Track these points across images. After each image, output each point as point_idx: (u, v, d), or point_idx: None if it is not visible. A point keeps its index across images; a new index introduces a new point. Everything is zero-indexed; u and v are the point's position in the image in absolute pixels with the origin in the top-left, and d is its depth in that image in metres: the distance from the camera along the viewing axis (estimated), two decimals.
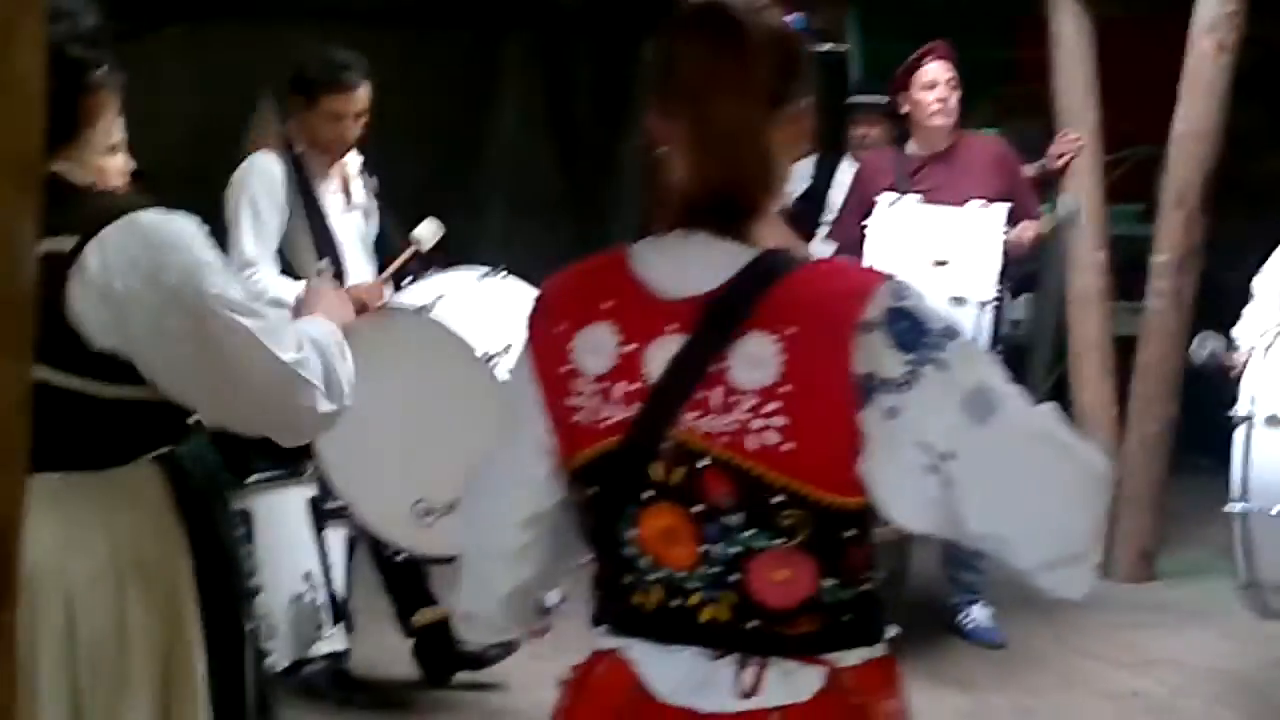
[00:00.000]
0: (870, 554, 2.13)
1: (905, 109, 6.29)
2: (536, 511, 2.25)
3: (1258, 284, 5.48)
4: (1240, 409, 4.91)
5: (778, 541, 2.07)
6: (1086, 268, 7.38)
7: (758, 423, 2.04)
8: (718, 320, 2.07)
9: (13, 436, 1.33)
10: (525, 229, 9.42)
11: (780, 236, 2.15)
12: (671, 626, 2.14)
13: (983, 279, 5.78)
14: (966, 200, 5.97)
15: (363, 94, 5.29)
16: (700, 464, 2.08)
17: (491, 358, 4.48)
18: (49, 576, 2.50)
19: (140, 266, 2.51)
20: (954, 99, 6.23)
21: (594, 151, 10.41)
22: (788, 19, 2.20)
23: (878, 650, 2.18)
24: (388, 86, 5.47)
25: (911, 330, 2.03)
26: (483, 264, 5.02)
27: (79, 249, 2.50)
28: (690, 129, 2.10)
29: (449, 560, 3.92)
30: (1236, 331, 5.40)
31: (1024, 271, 8.22)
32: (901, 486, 2.05)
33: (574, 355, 2.15)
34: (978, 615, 6.35)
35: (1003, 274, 5.88)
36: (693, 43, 2.12)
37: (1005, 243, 5.90)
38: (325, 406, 2.70)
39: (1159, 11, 7.37)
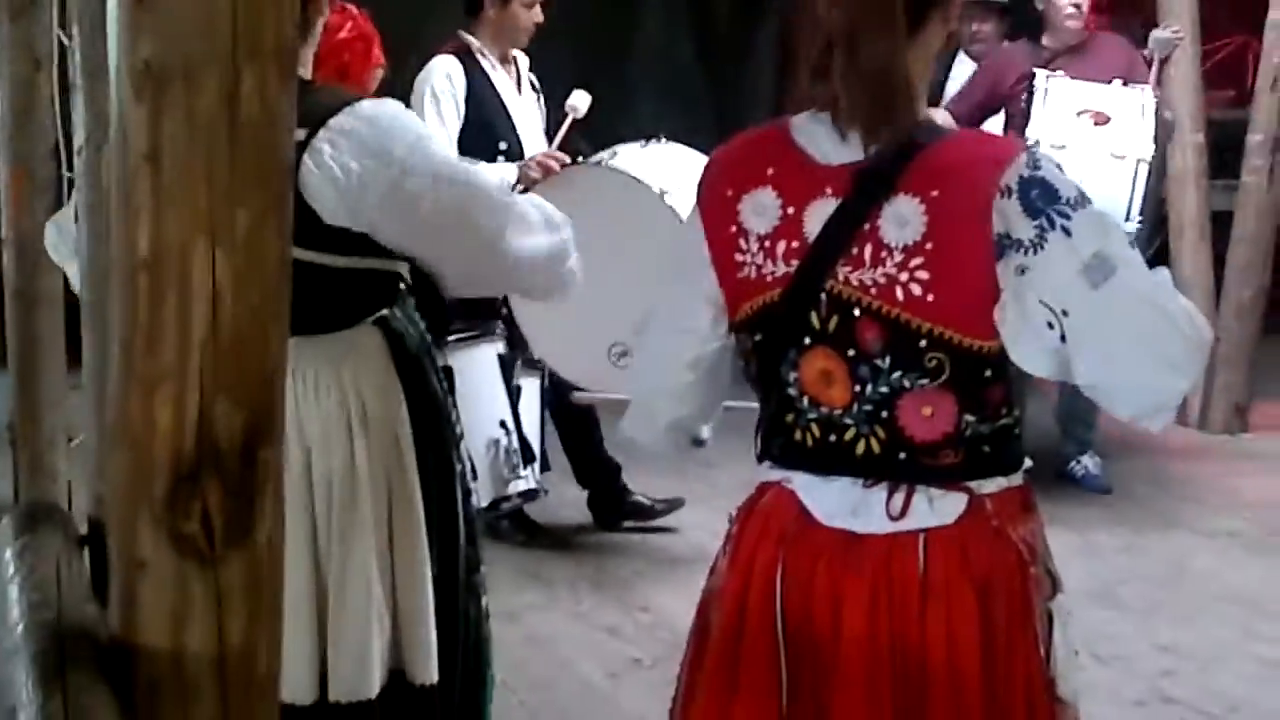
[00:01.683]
0: (1007, 392, 2.16)
1: (1041, 5, 6.19)
2: (699, 355, 2.30)
3: None
4: None
5: (923, 381, 2.11)
6: (1185, 147, 7.26)
7: (904, 275, 2.08)
8: (869, 184, 2.11)
9: (281, 292, 1.39)
10: (670, 115, 9.41)
11: (925, 101, 2.17)
12: (829, 458, 2.19)
13: (1141, 138, 5.60)
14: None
15: None
16: (854, 312, 2.12)
17: (666, 193, 4.46)
18: (289, 427, 2.59)
19: (370, 146, 2.58)
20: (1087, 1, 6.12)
21: (730, 42, 10.37)
22: None
23: (1015, 479, 2.22)
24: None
25: (1043, 197, 2.05)
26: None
27: (310, 137, 2.57)
28: (840, 58, 2.10)
29: None
30: None
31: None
32: (1025, 336, 2.07)
33: (741, 216, 2.19)
34: (1088, 464, 6.35)
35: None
36: None
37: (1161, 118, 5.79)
38: (550, 238, 2.77)
39: None
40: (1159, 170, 7.44)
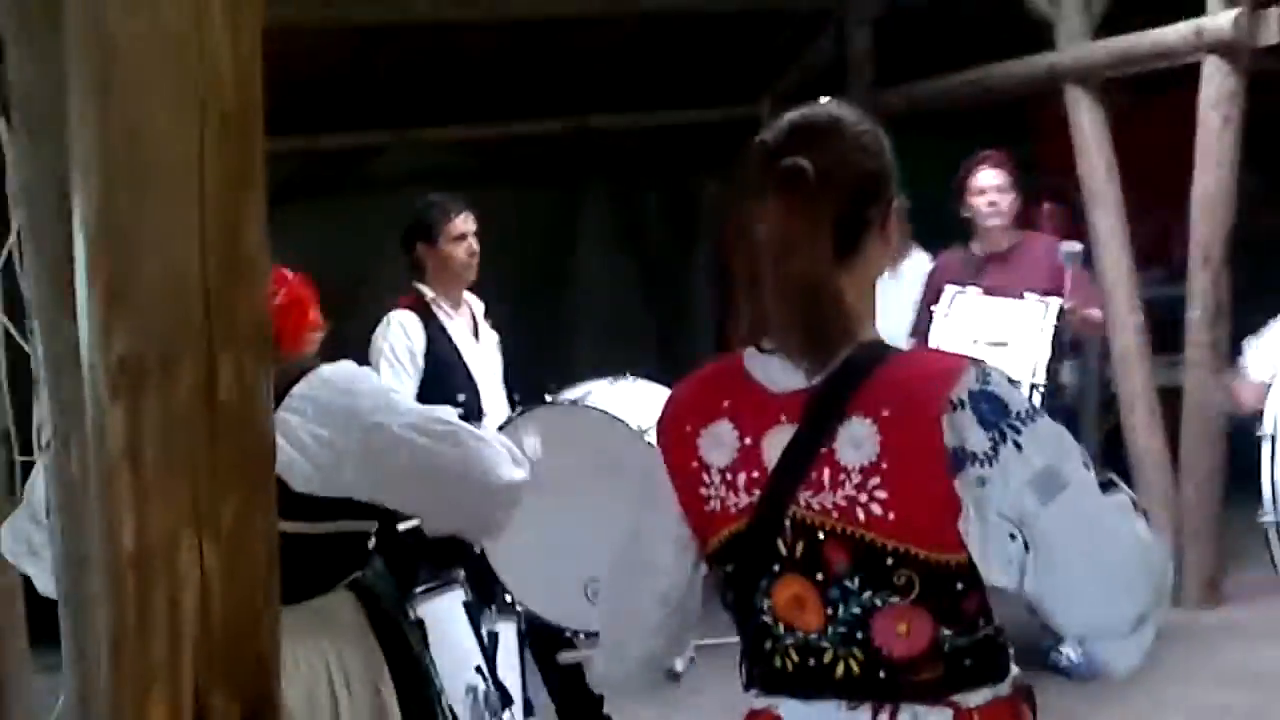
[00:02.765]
0: (983, 602, 2.18)
1: (965, 213, 6.35)
2: (667, 590, 2.33)
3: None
4: (1265, 428, 4.84)
5: (894, 599, 2.13)
6: (1125, 328, 7.39)
7: (864, 496, 2.11)
8: (822, 409, 2.15)
9: (271, 577, 1.40)
10: (611, 345, 9.53)
11: (874, 328, 2.22)
12: (811, 683, 2.20)
13: (1034, 363, 5.77)
14: (1023, 294, 5.98)
15: (471, 215, 5.52)
16: (819, 536, 2.14)
17: (645, 430, 4.51)
18: None
19: (336, 410, 2.61)
20: (1006, 202, 6.28)
21: (667, 268, 10.58)
22: None
23: (1003, 689, 2.22)
24: (486, 238, 5.63)
25: (994, 410, 2.09)
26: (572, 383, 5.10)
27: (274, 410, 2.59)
28: (770, 282, 2.15)
29: None
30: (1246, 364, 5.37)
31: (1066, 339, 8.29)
32: (991, 548, 2.10)
33: (701, 450, 2.23)
34: (1068, 651, 6.30)
35: (1055, 355, 5.87)
36: (766, 202, 2.15)
37: (1072, 322, 5.92)
38: (518, 474, 2.80)
39: (1162, 94, 7.40)
40: (1100, 353, 7.61)
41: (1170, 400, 7.39)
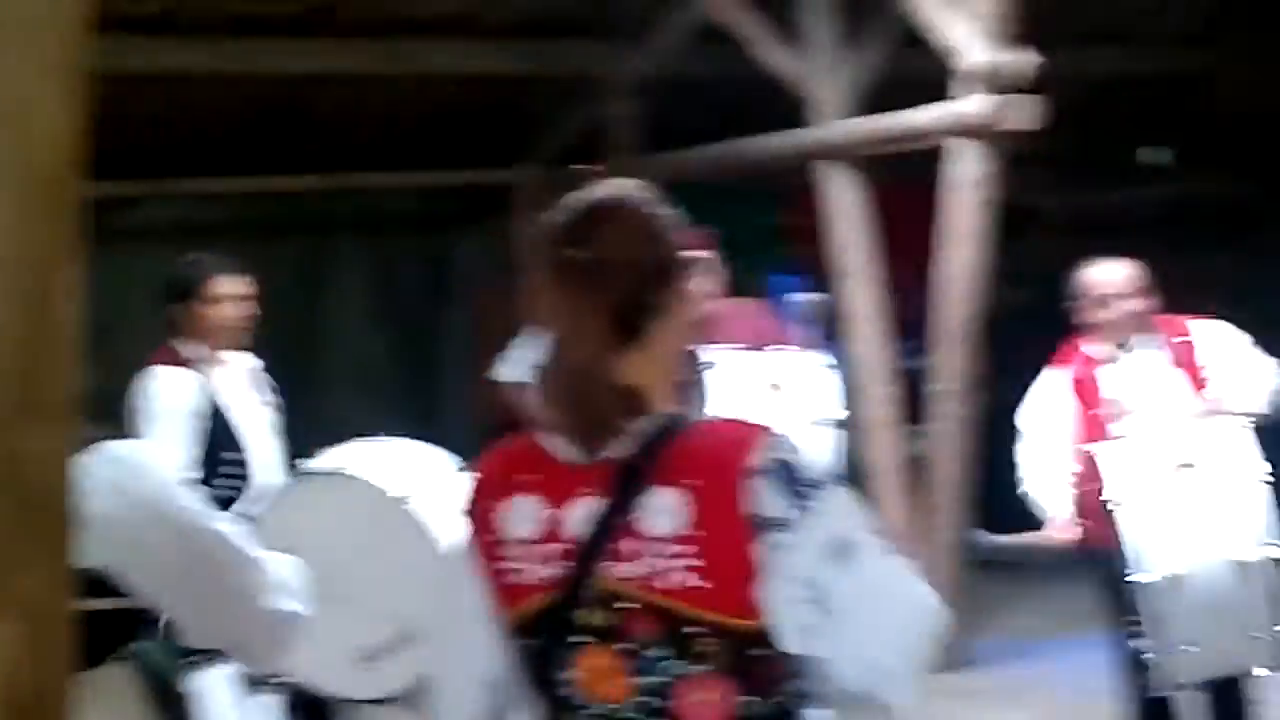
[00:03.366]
0: (780, 669, 2.19)
1: None
2: (489, 673, 2.28)
3: (1022, 420, 5.63)
4: (1111, 498, 4.93)
5: (697, 668, 2.13)
6: (876, 400, 7.58)
7: (667, 565, 2.12)
8: (624, 480, 2.16)
9: (72, 653, 1.35)
10: (365, 407, 9.44)
11: (672, 397, 2.23)
12: None
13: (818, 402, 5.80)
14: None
15: (241, 279, 5.32)
16: (622, 606, 2.14)
17: (405, 498, 4.47)
18: None
19: (121, 489, 2.52)
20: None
21: (421, 329, 10.53)
22: None
23: None
24: None
25: (789, 478, 2.13)
26: (327, 441, 5.02)
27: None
28: (551, 369, 2.19)
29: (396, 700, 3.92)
30: (1021, 469, 5.58)
31: None
32: (783, 613, 2.12)
33: (504, 524, 2.22)
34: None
35: None
36: (550, 281, 2.19)
37: None
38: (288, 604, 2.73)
39: (916, 175, 7.64)
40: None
41: (920, 467, 7.59)
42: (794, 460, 2.15)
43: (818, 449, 5.60)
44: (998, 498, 7.07)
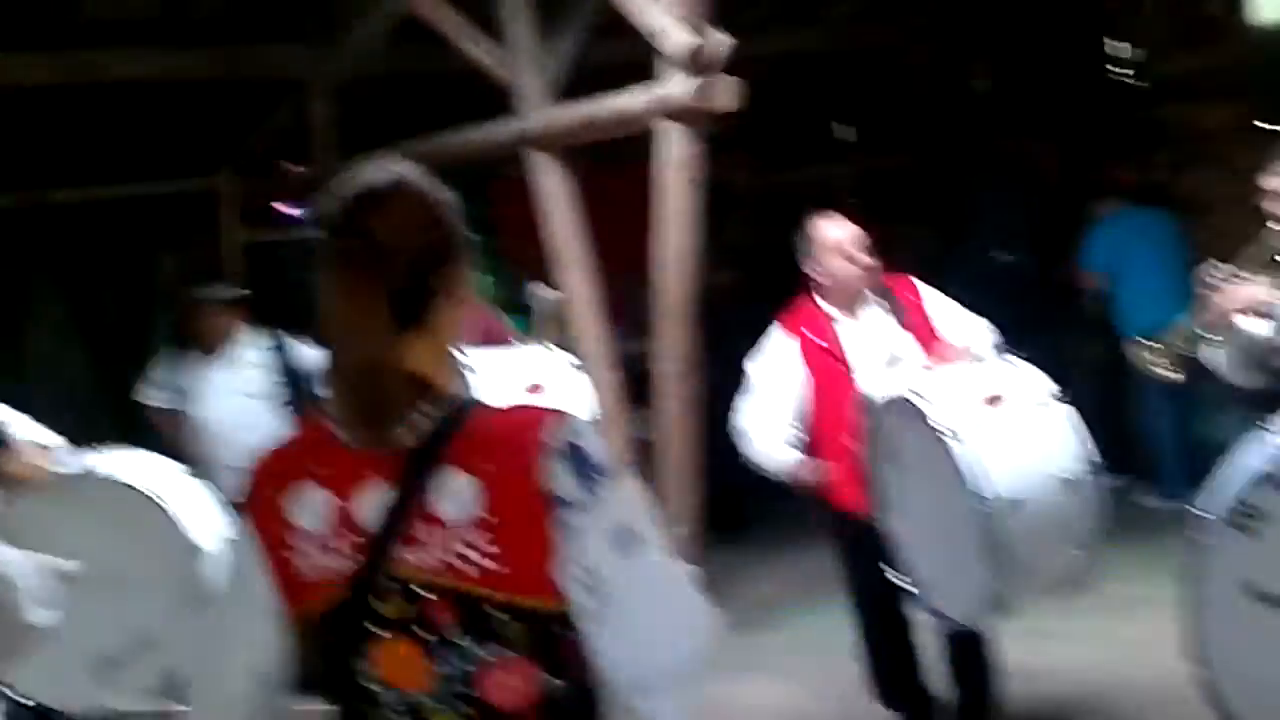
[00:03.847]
0: (581, 649, 2.20)
1: None
2: (267, 667, 2.24)
3: (755, 377, 5.59)
4: (938, 423, 4.70)
5: (503, 652, 2.14)
6: (604, 387, 7.62)
7: (465, 549, 2.12)
8: (416, 465, 2.14)
9: None
10: (67, 427, 9.11)
11: (455, 382, 2.23)
12: None
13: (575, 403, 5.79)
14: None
15: None
16: (421, 594, 2.13)
17: (162, 497, 4.33)
18: None
19: None
20: None
21: (122, 344, 10.23)
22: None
23: None
24: None
25: (582, 462, 2.15)
26: None
27: None
28: (331, 357, 2.19)
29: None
30: (747, 428, 5.55)
31: None
32: (572, 594, 2.14)
33: (290, 516, 2.19)
34: None
35: None
36: (328, 273, 2.18)
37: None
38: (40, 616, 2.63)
39: (626, 159, 7.71)
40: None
41: (641, 452, 7.66)
42: (585, 443, 2.17)
43: None
44: (721, 471, 7.23)
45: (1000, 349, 5.41)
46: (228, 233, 9.76)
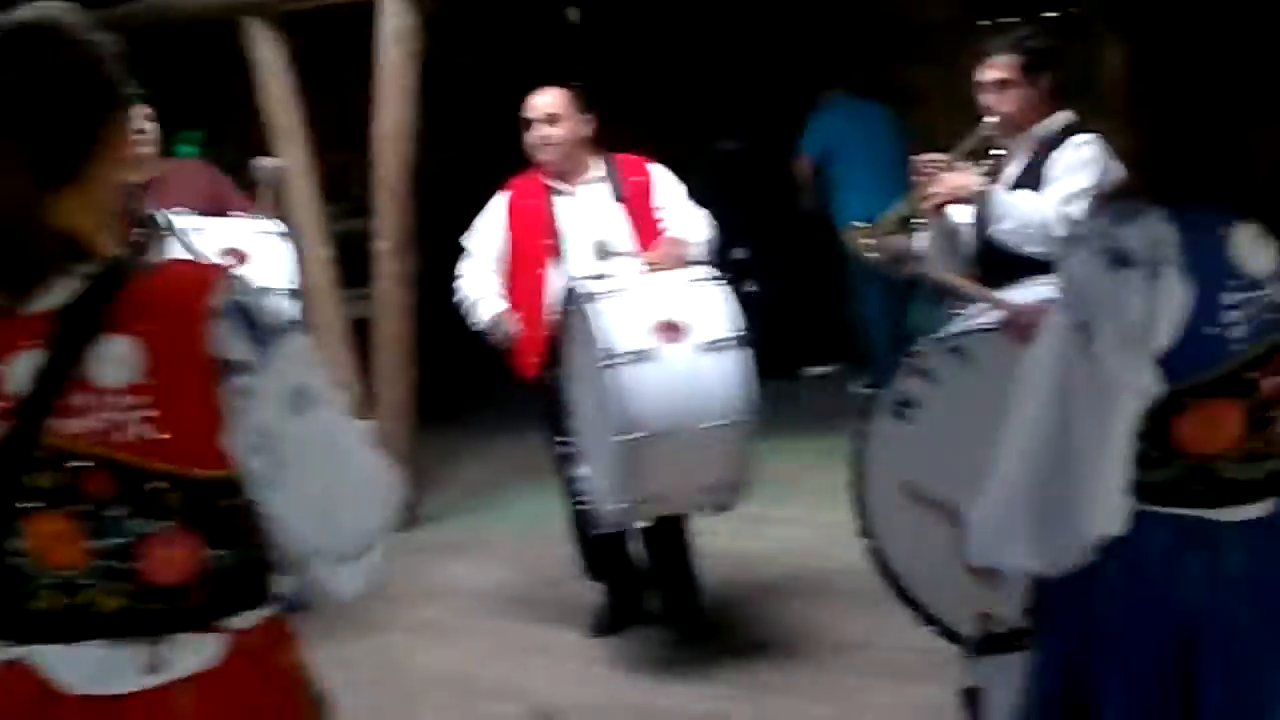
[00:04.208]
0: (251, 520, 2.10)
1: None
2: None
3: (470, 241, 5.66)
4: (602, 354, 4.77)
5: (163, 523, 2.04)
6: (314, 263, 7.45)
7: (126, 417, 2.00)
8: (71, 329, 2.01)
9: None
10: None
11: (116, 241, 2.09)
12: (73, 625, 2.07)
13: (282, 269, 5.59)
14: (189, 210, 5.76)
15: None
16: (76, 465, 2.01)
17: None
18: None
19: None
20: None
21: None
22: None
23: (269, 610, 2.18)
24: None
25: (252, 322, 2.05)
26: None
27: None
28: None
29: None
30: (464, 286, 5.60)
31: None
32: (244, 460, 2.05)
33: None
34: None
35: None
36: None
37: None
38: None
39: (347, 29, 7.49)
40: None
41: (362, 332, 7.55)
42: (255, 303, 2.06)
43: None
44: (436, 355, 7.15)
45: (714, 245, 5.48)
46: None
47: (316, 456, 2.08)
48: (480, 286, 5.58)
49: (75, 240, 2.03)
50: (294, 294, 5.45)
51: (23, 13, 2.06)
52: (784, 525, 6.77)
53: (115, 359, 1.99)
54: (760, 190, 9.87)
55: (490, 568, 6.74)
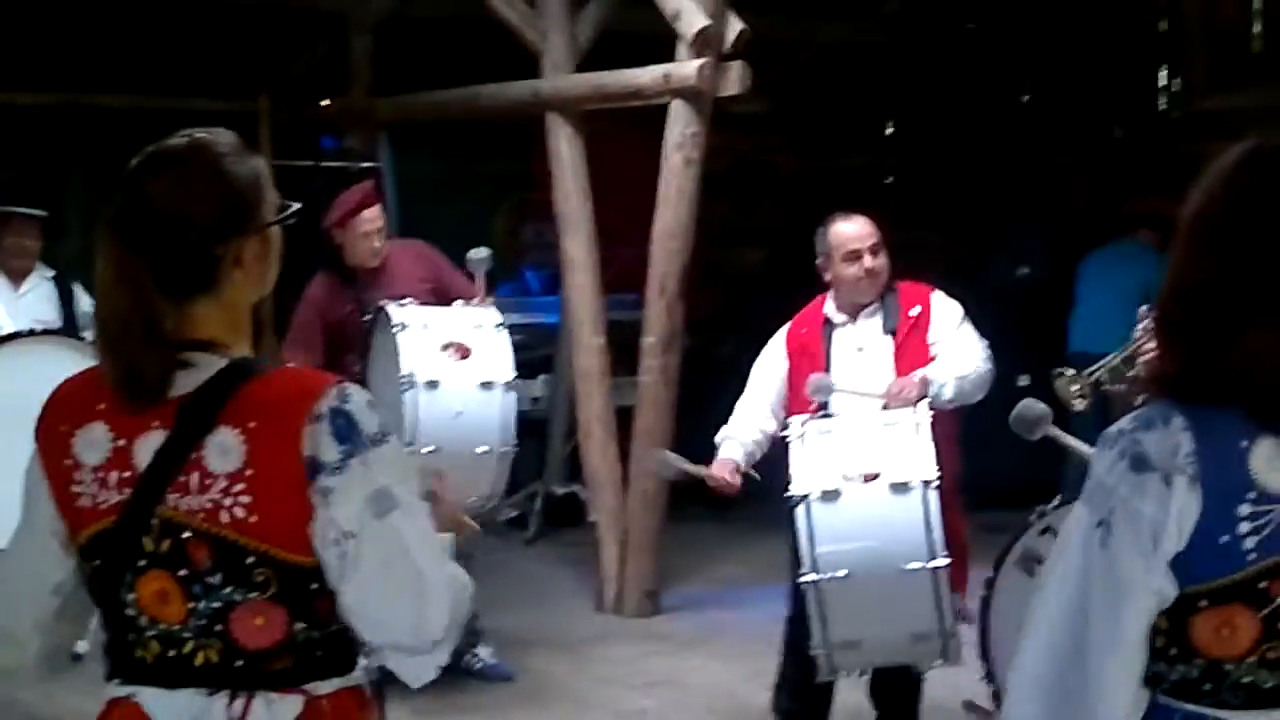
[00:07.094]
0: (333, 603, 2.33)
1: (339, 241, 6.41)
2: (60, 581, 2.41)
3: (752, 374, 5.54)
4: (796, 490, 4.83)
5: (253, 595, 2.29)
6: (588, 350, 7.78)
7: (228, 500, 2.27)
8: (192, 418, 2.29)
9: None
10: None
11: (247, 344, 2.38)
12: (172, 672, 2.34)
13: (502, 363, 5.95)
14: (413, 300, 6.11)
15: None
16: (183, 535, 2.29)
17: None
18: None
19: None
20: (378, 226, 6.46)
21: None
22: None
23: (351, 679, 2.40)
24: None
25: (347, 427, 2.28)
26: None
27: None
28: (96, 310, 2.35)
29: None
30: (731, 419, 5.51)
31: (540, 355, 8.64)
32: (324, 554, 2.28)
33: (75, 449, 2.34)
34: (482, 654, 6.50)
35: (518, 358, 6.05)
36: (104, 229, 2.31)
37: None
38: None
39: (640, 130, 7.82)
40: (569, 372, 7.98)
41: (630, 419, 7.78)
42: (356, 411, 2.29)
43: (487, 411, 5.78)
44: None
45: (989, 377, 5.27)
46: (261, 155, 9.92)
47: (387, 559, 2.28)
48: (733, 426, 5.47)
49: (208, 342, 2.33)
50: (508, 386, 5.72)
51: (175, 138, 2.37)
52: None
53: (224, 448, 2.27)
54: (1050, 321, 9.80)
55: (715, 665, 6.83)
